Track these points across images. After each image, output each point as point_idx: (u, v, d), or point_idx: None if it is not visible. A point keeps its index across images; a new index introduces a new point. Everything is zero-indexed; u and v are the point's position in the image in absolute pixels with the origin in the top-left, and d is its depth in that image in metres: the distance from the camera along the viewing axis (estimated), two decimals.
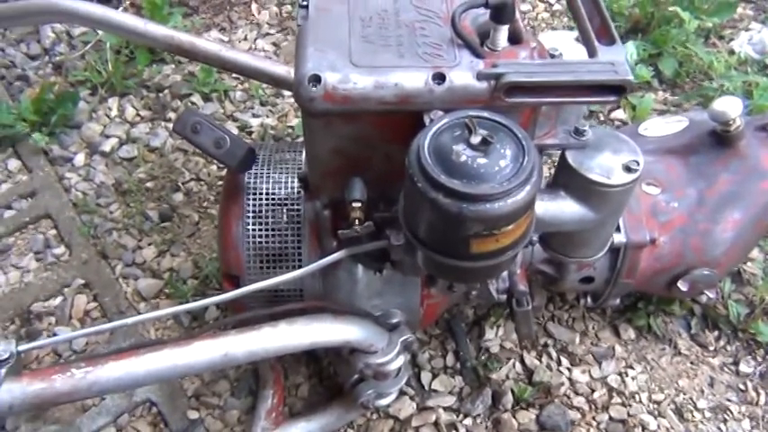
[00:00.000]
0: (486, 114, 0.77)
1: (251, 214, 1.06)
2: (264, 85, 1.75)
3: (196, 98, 1.77)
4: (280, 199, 1.06)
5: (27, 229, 1.54)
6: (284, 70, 1.31)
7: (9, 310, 1.39)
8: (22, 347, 0.86)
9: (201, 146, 1.00)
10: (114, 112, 1.75)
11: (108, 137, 1.69)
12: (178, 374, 0.92)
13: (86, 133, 1.70)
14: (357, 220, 0.88)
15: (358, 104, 0.81)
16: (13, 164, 1.65)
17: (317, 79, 0.80)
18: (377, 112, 0.83)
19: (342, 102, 0.81)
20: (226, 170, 1.15)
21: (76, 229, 1.52)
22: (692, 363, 1.33)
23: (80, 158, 1.65)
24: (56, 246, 1.51)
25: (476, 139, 0.73)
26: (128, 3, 1.99)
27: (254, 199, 1.06)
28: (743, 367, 1.32)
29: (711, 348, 1.35)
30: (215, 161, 1.58)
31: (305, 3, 0.90)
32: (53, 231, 1.53)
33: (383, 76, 0.81)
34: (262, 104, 1.77)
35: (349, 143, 0.87)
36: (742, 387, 1.30)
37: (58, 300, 1.42)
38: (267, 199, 1.06)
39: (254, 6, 2.03)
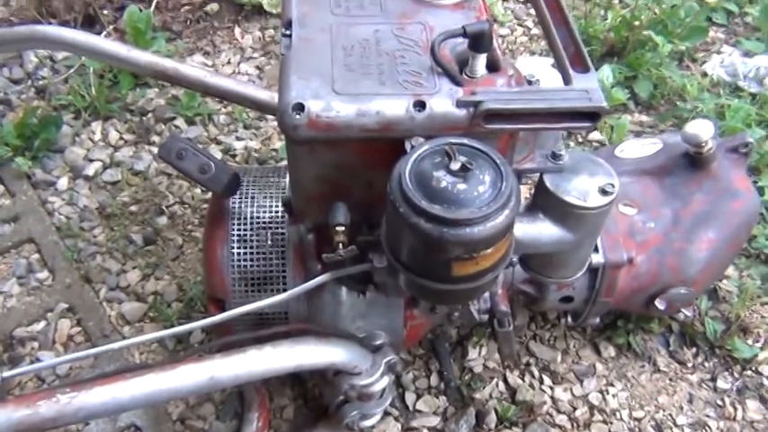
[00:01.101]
0: (465, 141, 0.79)
1: (236, 238, 1.07)
2: (248, 109, 1.77)
3: (180, 122, 1.78)
4: (264, 223, 1.08)
5: (10, 253, 1.54)
6: (267, 95, 1.33)
7: None
8: (6, 374, 0.87)
9: (186, 171, 1.02)
10: (98, 136, 1.76)
11: (91, 161, 1.70)
12: (164, 399, 0.93)
13: (70, 157, 1.70)
14: (341, 244, 0.90)
15: (341, 132, 0.83)
16: None
17: (300, 107, 0.82)
18: (359, 139, 0.85)
19: (325, 129, 0.83)
20: (211, 194, 1.16)
21: (60, 254, 1.51)
22: (670, 379, 1.36)
23: (63, 182, 1.66)
24: (39, 270, 1.50)
25: (455, 166, 0.75)
26: (111, 28, 2.00)
27: (239, 223, 1.08)
28: (720, 383, 1.34)
29: (690, 365, 1.37)
30: (199, 186, 1.60)
31: (288, 32, 0.92)
32: (36, 256, 1.53)
33: (365, 103, 0.83)
34: (245, 128, 1.78)
35: (332, 169, 0.89)
36: (720, 403, 1.32)
37: (42, 324, 1.41)
38: (252, 223, 1.08)
39: (237, 30, 2.06)
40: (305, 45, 0.90)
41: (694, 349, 1.39)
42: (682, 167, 1.26)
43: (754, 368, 1.36)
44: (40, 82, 1.87)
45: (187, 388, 0.92)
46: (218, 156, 1.63)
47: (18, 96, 1.85)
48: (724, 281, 1.46)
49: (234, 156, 1.71)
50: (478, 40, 0.84)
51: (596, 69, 1.80)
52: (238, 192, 1.10)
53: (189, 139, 1.47)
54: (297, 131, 0.83)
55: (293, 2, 0.96)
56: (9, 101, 1.83)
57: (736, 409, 1.31)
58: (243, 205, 1.09)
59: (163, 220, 1.57)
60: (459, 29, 0.84)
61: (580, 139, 1.76)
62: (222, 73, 1.91)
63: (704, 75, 1.89)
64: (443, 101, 0.83)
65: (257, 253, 1.07)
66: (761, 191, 1.56)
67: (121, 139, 1.76)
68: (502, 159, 0.78)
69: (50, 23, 2.00)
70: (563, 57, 0.89)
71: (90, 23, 2.04)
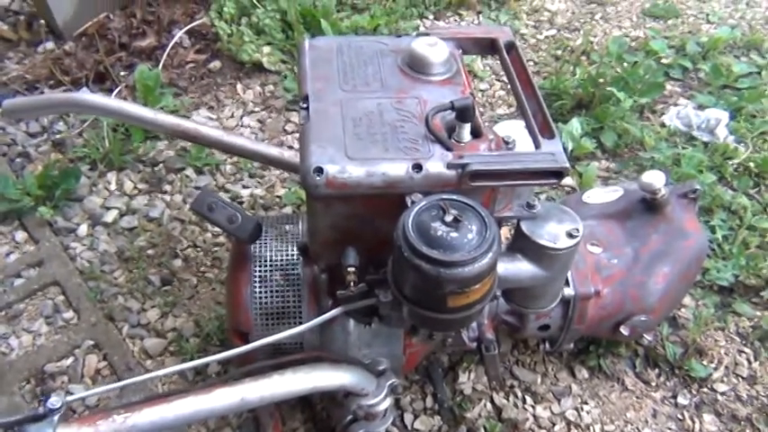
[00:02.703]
0: (455, 197, 0.96)
1: (258, 279, 1.22)
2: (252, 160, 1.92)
3: (189, 171, 1.93)
4: (282, 265, 1.23)
5: (36, 295, 1.66)
6: (277, 151, 1.50)
7: (24, 371, 1.51)
8: (70, 398, 1.01)
9: (217, 222, 1.18)
10: (113, 186, 1.90)
11: (108, 209, 1.83)
12: (201, 417, 1.07)
13: (88, 206, 1.84)
14: (352, 282, 1.05)
15: (353, 189, 0.99)
16: (20, 235, 1.77)
17: (320, 170, 0.98)
18: (368, 195, 1.01)
19: (340, 188, 0.99)
20: (234, 240, 1.31)
21: (84, 295, 1.64)
22: (637, 397, 1.51)
23: (83, 229, 1.79)
24: (64, 310, 1.62)
25: (449, 218, 0.92)
26: (123, 85, 2.17)
27: (260, 266, 1.23)
28: (680, 400, 1.50)
29: (653, 384, 1.52)
30: (216, 231, 1.75)
31: (305, 105, 1.09)
32: (61, 297, 1.65)
33: (372, 166, 0.99)
34: (250, 176, 1.93)
35: (345, 220, 1.05)
36: (680, 417, 1.48)
37: (70, 360, 1.53)
38: (271, 266, 1.23)
39: (239, 86, 2.22)
40: (321, 117, 1.06)
41: (657, 370, 1.54)
42: (640, 211, 1.42)
43: (709, 386, 1.52)
44: (57, 135, 2.00)
45: (221, 408, 1.07)
46: None
47: (35, 149, 1.98)
48: (682, 309, 1.62)
49: (241, 203, 1.85)
50: (464, 113, 1.02)
51: (567, 122, 2.02)
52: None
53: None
54: (317, 190, 0.99)
55: (308, 79, 1.13)
56: (27, 153, 1.97)
57: (694, 422, 1.46)
58: (262, 250, 1.25)
59: (178, 263, 1.71)
60: (448, 104, 1.02)
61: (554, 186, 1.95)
62: (227, 127, 2.08)
63: (663, 125, 2.08)
64: (436, 163, 1.00)
65: (276, 291, 1.22)
66: (713, 229, 1.74)
67: (135, 188, 1.90)
68: (486, 212, 0.95)
69: (63, 81, 2.16)
70: (533, 125, 1.07)
71: (101, 80, 2.19)
